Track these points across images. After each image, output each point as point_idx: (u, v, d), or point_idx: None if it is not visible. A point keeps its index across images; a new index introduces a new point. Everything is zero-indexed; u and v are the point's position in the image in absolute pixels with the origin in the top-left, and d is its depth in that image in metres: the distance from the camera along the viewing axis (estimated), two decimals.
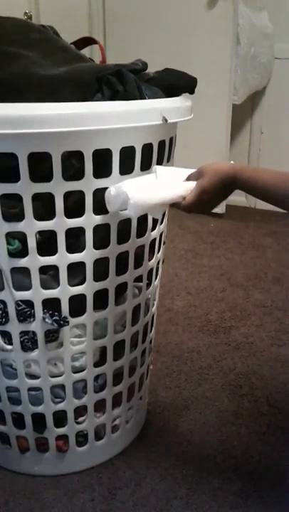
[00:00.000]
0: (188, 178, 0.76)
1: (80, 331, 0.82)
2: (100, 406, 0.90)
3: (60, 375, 0.84)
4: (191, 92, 0.88)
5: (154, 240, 0.87)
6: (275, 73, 2.36)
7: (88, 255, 0.76)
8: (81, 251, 0.75)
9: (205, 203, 0.74)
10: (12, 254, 0.73)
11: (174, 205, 0.75)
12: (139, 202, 0.69)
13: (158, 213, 0.78)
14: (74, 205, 0.72)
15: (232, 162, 0.78)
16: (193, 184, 0.74)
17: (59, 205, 0.70)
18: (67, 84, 0.76)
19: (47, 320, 0.77)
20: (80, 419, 0.89)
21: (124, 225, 0.78)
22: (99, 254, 0.77)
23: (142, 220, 0.81)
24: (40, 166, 0.68)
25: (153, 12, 2.26)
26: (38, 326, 0.78)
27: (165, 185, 0.73)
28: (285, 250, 2.00)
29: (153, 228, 0.85)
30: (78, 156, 0.69)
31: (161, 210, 0.76)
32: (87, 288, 0.78)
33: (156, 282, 0.95)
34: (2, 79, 0.75)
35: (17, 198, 0.69)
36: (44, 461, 0.92)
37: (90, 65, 0.84)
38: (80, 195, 0.71)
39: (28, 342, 0.79)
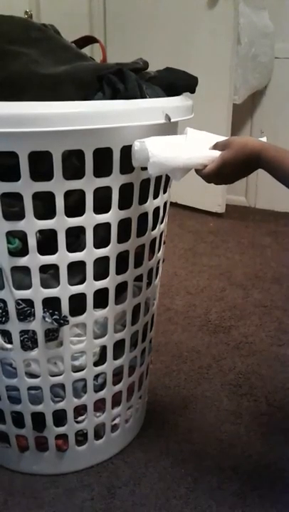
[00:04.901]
0: (215, 146, 0.73)
1: (80, 330, 0.82)
2: (99, 405, 0.90)
3: (60, 374, 0.84)
4: (192, 91, 0.88)
5: (155, 239, 0.87)
6: (276, 73, 2.36)
7: (88, 254, 0.76)
8: (81, 250, 0.75)
9: (225, 176, 0.73)
10: (12, 253, 0.73)
11: (196, 171, 0.73)
12: (159, 162, 0.68)
13: (178, 176, 0.75)
14: (74, 204, 0.72)
15: (262, 139, 0.75)
16: (217, 154, 0.72)
17: (59, 204, 0.70)
18: (68, 83, 0.76)
19: (47, 319, 0.77)
20: (80, 418, 0.89)
21: (125, 224, 0.77)
22: (99, 253, 0.76)
23: (143, 219, 0.81)
24: (40, 165, 0.68)
25: (154, 11, 2.26)
26: (38, 325, 0.78)
27: (190, 149, 0.72)
28: (284, 250, 2.00)
29: (153, 228, 0.85)
30: (79, 154, 0.69)
31: (181, 173, 0.74)
32: (87, 287, 0.78)
33: (156, 282, 0.94)
34: (3, 77, 0.75)
35: (17, 197, 0.69)
36: (43, 460, 0.92)
37: (91, 64, 0.83)
38: (81, 194, 0.71)
39: (28, 341, 0.79)
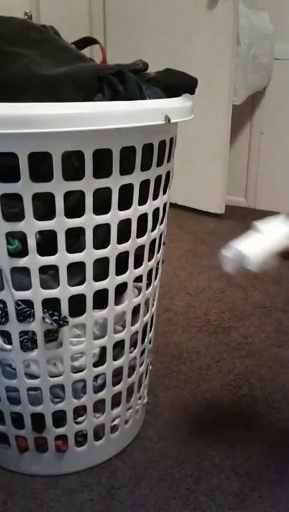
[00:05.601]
0: None
1: (80, 331, 0.82)
2: (99, 406, 0.90)
3: (60, 375, 0.84)
4: (192, 92, 0.88)
5: (154, 240, 0.87)
6: (276, 74, 2.37)
7: (88, 255, 0.76)
8: (81, 251, 0.75)
9: None
10: (12, 254, 0.73)
11: (283, 256, 0.81)
12: (257, 257, 0.78)
13: (273, 261, 0.84)
14: (74, 205, 0.72)
15: None
16: None
17: (59, 205, 0.70)
18: (68, 84, 0.76)
19: (46, 320, 0.77)
20: (79, 419, 0.89)
21: (125, 225, 0.78)
22: (99, 254, 0.77)
23: (142, 220, 0.81)
24: (40, 166, 0.68)
25: (153, 12, 2.26)
26: (37, 325, 0.78)
27: (274, 236, 0.81)
28: None
29: (153, 228, 0.85)
30: (78, 155, 0.69)
31: (274, 259, 0.83)
32: (87, 288, 0.78)
33: (155, 282, 0.95)
34: (3, 78, 0.75)
35: (17, 198, 0.69)
36: (43, 461, 0.92)
37: (91, 65, 0.84)
38: (80, 195, 0.71)
39: (28, 342, 0.79)
